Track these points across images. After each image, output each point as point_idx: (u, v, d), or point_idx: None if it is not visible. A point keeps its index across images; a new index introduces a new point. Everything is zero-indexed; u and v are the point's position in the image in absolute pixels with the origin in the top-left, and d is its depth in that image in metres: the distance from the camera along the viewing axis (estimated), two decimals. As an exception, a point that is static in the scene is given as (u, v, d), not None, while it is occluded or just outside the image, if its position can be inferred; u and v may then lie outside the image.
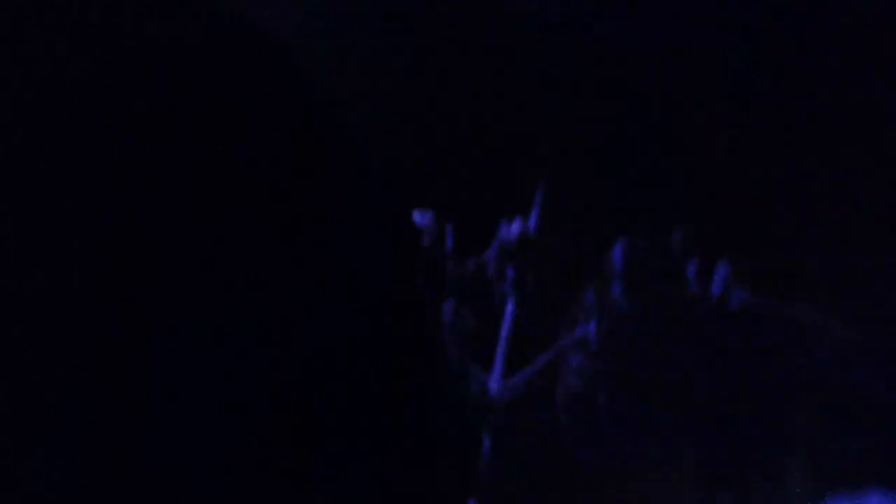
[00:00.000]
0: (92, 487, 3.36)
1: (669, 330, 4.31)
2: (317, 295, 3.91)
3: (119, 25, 3.41)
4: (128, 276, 3.51)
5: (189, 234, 3.60)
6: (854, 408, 4.40)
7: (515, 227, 4.14)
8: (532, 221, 4.12)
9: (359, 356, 3.99)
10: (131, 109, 3.49)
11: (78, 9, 3.35)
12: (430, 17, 4.23)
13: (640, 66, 4.34)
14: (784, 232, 4.46)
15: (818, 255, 4.45)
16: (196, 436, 3.56)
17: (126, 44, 3.43)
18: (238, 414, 3.67)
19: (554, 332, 4.25)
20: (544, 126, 4.25)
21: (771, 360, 4.45)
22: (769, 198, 4.44)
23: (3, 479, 3.30)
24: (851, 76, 4.40)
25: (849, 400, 4.40)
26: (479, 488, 4.06)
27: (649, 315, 4.23)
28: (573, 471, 4.24)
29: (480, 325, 4.14)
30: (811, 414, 4.45)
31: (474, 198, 4.12)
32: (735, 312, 4.38)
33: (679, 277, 4.37)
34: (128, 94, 3.45)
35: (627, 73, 4.36)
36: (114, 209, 3.49)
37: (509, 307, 4.18)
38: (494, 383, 4.14)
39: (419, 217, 3.95)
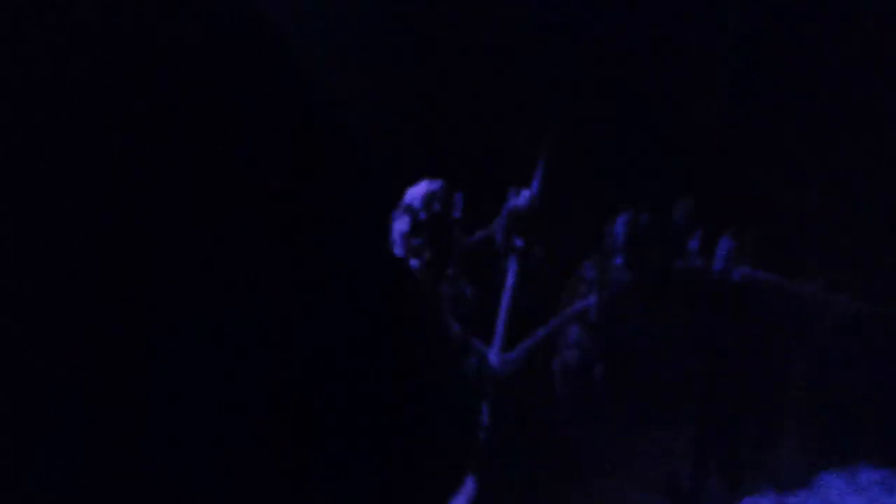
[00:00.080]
0: (92, 487, 3.36)
1: (669, 304, 4.31)
2: (317, 294, 3.90)
3: (119, 25, 3.41)
4: (128, 276, 3.51)
5: (189, 234, 3.60)
6: (853, 384, 4.42)
7: (517, 202, 4.13)
8: (534, 196, 4.12)
9: (358, 355, 3.99)
10: (131, 109, 3.49)
11: (78, 9, 3.34)
12: (430, 17, 4.24)
13: (640, 64, 4.35)
14: (786, 207, 4.47)
15: (819, 231, 4.47)
16: (196, 435, 3.55)
17: (126, 44, 3.43)
18: (238, 413, 3.67)
19: (554, 305, 4.26)
20: (544, 124, 4.26)
21: (772, 334, 4.46)
22: (771, 173, 4.45)
23: (3, 479, 3.29)
24: (852, 65, 4.42)
25: (847, 376, 4.42)
26: (479, 460, 4.07)
27: (650, 289, 4.23)
28: (571, 444, 4.25)
29: (482, 297, 4.14)
30: (809, 388, 4.47)
31: (475, 174, 4.14)
32: (736, 286, 4.38)
33: (681, 251, 4.38)
34: (128, 94, 3.45)
35: (627, 73, 4.36)
36: (114, 209, 3.49)
37: (510, 280, 4.17)
38: (494, 356, 4.14)
39: (429, 185, 3.94)
